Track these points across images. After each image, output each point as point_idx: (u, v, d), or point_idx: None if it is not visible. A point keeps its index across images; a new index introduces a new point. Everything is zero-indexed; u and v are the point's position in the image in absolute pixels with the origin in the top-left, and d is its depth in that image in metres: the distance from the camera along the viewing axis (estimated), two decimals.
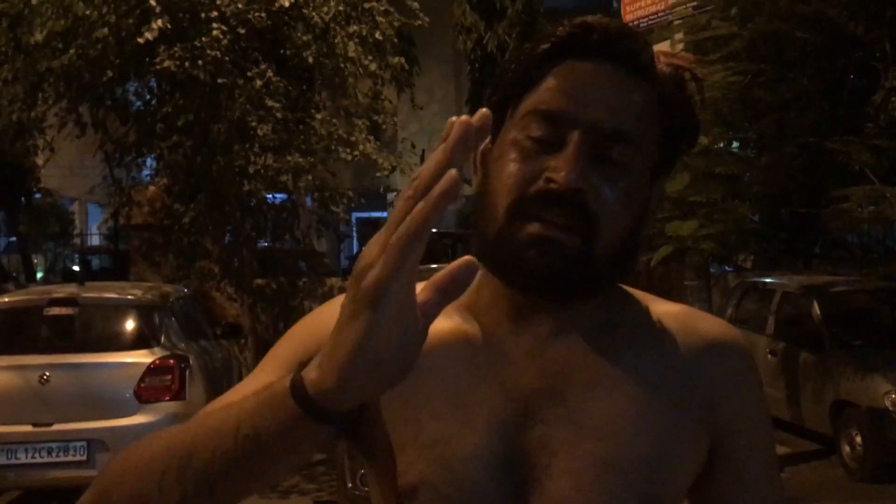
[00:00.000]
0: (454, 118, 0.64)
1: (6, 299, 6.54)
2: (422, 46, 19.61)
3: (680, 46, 6.82)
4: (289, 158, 7.93)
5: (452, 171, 0.62)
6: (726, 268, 11.64)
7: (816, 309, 7.70)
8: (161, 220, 9.55)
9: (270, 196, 9.17)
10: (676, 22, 6.81)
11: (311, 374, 0.69)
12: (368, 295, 0.64)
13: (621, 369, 0.89)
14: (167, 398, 5.73)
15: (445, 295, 0.66)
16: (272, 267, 10.45)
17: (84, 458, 5.50)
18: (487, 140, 0.91)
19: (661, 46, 6.99)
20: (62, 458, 5.53)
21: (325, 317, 0.90)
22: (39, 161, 11.25)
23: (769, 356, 8.15)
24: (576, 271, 0.85)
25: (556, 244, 0.84)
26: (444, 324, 0.91)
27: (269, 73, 7.27)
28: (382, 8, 8.36)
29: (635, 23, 7.50)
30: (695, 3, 6.52)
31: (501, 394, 0.88)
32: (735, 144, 6.38)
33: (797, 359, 7.79)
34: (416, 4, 8.82)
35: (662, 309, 0.95)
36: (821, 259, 11.82)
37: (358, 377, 0.67)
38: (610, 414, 0.87)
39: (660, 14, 7.09)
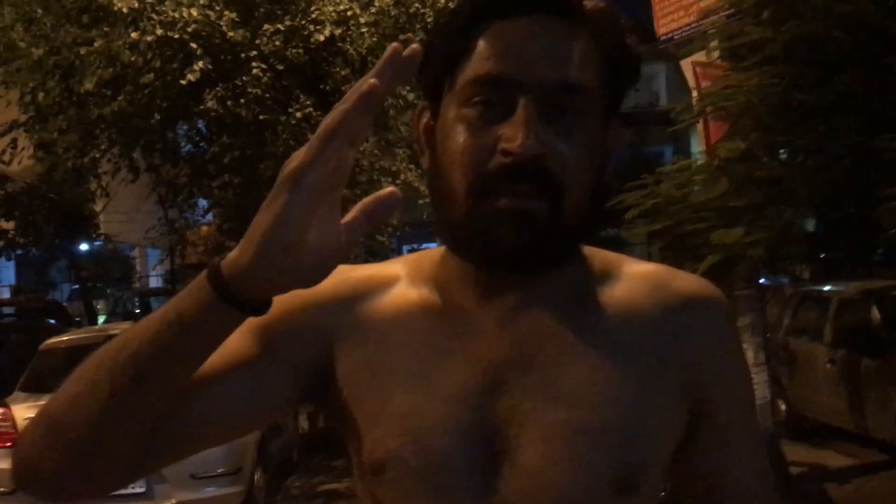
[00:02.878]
0: (393, 44, 0.69)
1: (65, 338, 6.77)
2: None
3: (715, 55, 6.77)
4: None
5: (373, 80, 0.66)
6: (781, 279, 11.41)
7: (876, 313, 7.49)
8: (213, 258, 9.79)
9: None
10: (710, 31, 6.77)
11: (230, 255, 0.72)
12: (286, 179, 0.68)
13: (591, 336, 0.87)
14: None
15: (369, 216, 0.71)
16: None
17: (143, 489, 5.62)
18: (428, 117, 0.90)
19: (697, 56, 6.95)
20: (123, 491, 5.66)
21: (346, 270, 0.92)
22: (98, 208, 11.64)
23: (828, 365, 7.94)
24: (549, 239, 0.83)
25: (528, 215, 0.81)
26: (411, 294, 0.91)
27: (310, 108, 7.44)
28: (418, 38, 8.51)
29: (669, 35, 7.48)
30: (728, 12, 6.47)
31: (470, 365, 0.86)
32: (780, 149, 6.30)
33: (858, 366, 7.57)
34: None
35: (634, 269, 0.92)
36: (882, 266, 11.49)
37: (269, 257, 0.69)
38: (580, 381, 0.85)
39: (693, 25, 7.06)
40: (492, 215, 0.82)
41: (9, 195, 11.18)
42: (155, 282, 18.51)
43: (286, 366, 0.88)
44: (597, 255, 0.93)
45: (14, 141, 8.53)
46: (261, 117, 7.24)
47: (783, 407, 8.57)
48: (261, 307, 0.74)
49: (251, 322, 0.89)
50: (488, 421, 0.84)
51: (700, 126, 6.63)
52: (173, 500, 5.73)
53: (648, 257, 15.03)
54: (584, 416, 0.83)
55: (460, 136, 0.83)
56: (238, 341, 0.83)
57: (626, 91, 0.91)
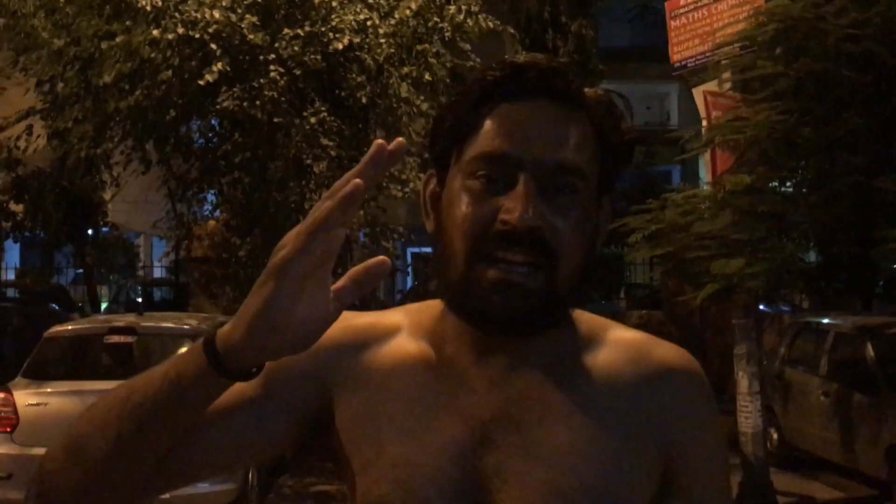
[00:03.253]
0: (378, 140, 0.77)
1: (69, 327, 6.84)
2: None
3: (727, 86, 6.85)
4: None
5: (357, 181, 0.74)
6: (782, 307, 11.46)
7: (871, 350, 7.55)
8: (219, 254, 9.86)
9: None
10: (724, 62, 6.85)
11: (225, 327, 0.80)
12: (273, 269, 0.76)
13: (574, 399, 0.92)
14: None
15: (358, 285, 0.79)
16: None
17: None
18: (434, 184, 0.97)
19: (709, 86, 7.02)
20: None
21: (349, 317, 0.97)
22: (106, 196, 11.72)
23: (822, 397, 7.99)
24: (539, 309, 0.89)
25: (518, 287, 0.87)
26: (411, 347, 0.97)
27: (324, 113, 7.52)
28: (434, 50, 8.58)
29: (683, 62, 7.56)
30: (741, 44, 6.55)
31: (460, 421, 0.92)
32: (784, 183, 6.37)
33: (851, 401, 7.63)
34: (467, 46, 9.03)
35: (618, 336, 0.98)
36: (882, 299, 11.55)
37: (257, 337, 0.77)
38: (560, 443, 0.90)
39: (707, 54, 7.13)
40: (484, 283, 0.88)
41: (20, 178, 11.26)
42: (158, 272, 18.62)
43: (286, 407, 0.95)
44: (584, 320, 0.99)
45: (30, 128, 8.62)
46: (275, 119, 7.31)
47: (775, 436, 8.63)
48: (249, 375, 0.82)
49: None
50: (473, 475, 0.90)
51: (707, 156, 6.71)
52: (167, 495, 5.79)
53: (650, 280, 15.07)
54: (562, 478, 0.89)
55: (464, 204, 0.90)
56: (248, 383, 0.89)
57: (620, 172, 0.99)
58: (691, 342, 11.68)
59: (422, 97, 8.58)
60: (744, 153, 5.75)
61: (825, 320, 8.75)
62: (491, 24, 8.67)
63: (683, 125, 12.30)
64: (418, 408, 0.94)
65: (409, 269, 22.82)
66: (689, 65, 7.41)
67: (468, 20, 8.34)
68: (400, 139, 0.77)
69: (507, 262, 0.88)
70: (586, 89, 0.94)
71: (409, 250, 30.09)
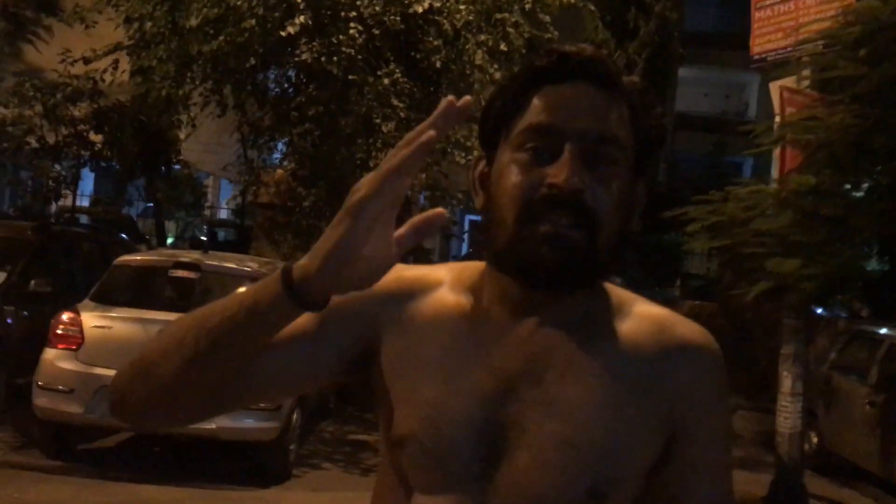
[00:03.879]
0: (448, 96, 0.86)
1: (138, 257, 7.14)
2: None
3: (805, 83, 6.74)
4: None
5: (431, 132, 0.83)
6: (839, 312, 11.28)
7: None
8: (284, 201, 10.11)
9: None
10: (805, 58, 6.73)
11: (301, 261, 0.89)
12: (351, 208, 0.85)
13: (594, 360, 1.00)
14: None
15: (418, 233, 0.88)
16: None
17: None
18: (483, 164, 1.06)
19: (787, 82, 6.91)
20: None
21: (400, 269, 1.06)
22: (182, 135, 12.06)
23: (868, 407, 7.91)
24: (582, 263, 0.97)
25: (566, 240, 0.96)
26: (450, 299, 1.07)
27: (398, 74, 7.63)
28: (513, 20, 8.60)
29: (763, 55, 7.44)
30: (825, 42, 6.43)
31: (489, 371, 1.00)
32: (851, 188, 6.27)
33: None
34: (547, 18, 9.01)
35: (644, 309, 1.05)
36: None
37: (330, 270, 0.86)
38: (576, 399, 0.98)
39: (788, 49, 7.01)
40: (535, 238, 0.96)
41: (101, 110, 11.64)
42: (224, 214, 19.09)
43: (336, 346, 1.05)
44: (614, 292, 1.07)
45: (115, 62, 8.92)
46: (349, 76, 7.45)
47: (814, 439, 8.58)
48: (320, 305, 0.90)
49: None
50: (496, 422, 0.99)
51: (777, 152, 6.64)
52: (213, 424, 6.03)
53: (707, 271, 14.86)
54: (574, 431, 0.97)
55: (513, 174, 0.99)
56: (304, 318, 0.98)
57: (653, 156, 1.07)
58: (741, 338, 11.57)
59: (496, 65, 8.62)
60: (813, 154, 5.69)
61: (881, 330, 8.61)
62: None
63: (761, 118, 12.02)
64: (452, 355, 1.02)
65: (465, 236, 22.92)
66: (769, 58, 7.30)
67: None
68: (468, 97, 0.86)
69: (553, 222, 0.96)
70: (627, 78, 1.03)
71: (468, 217, 30.22)
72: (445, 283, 1.09)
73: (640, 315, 1.04)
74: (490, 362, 1.01)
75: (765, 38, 7.32)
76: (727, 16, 22.44)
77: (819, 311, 11.11)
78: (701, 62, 26.14)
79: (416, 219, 0.88)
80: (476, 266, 1.10)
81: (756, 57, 7.37)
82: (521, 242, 0.97)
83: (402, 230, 0.87)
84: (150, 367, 0.98)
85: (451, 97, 0.85)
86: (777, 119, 6.73)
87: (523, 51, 9.26)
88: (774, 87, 6.94)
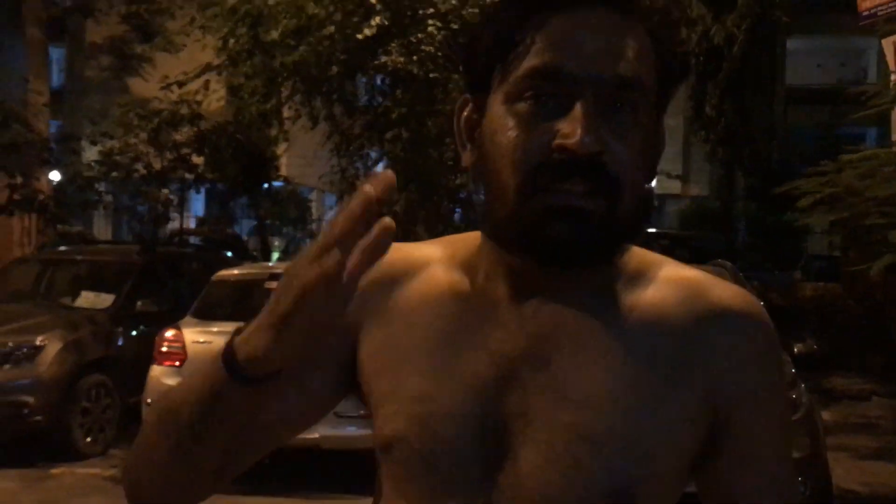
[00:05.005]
0: (363, 186, 0.70)
1: (235, 272, 7.25)
2: None
3: None
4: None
5: (369, 191, 0.69)
6: None
7: None
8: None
9: None
10: None
11: (246, 332, 0.76)
12: (301, 286, 0.71)
13: (612, 337, 0.84)
14: None
15: (370, 260, 0.69)
16: None
17: None
18: (471, 108, 0.87)
19: None
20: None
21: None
22: (279, 150, 12.30)
23: None
24: (601, 238, 0.81)
25: (583, 213, 0.79)
26: (442, 278, 0.91)
27: None
28: None
29: (872, 10, 6.87)
30: None
31: (486, 356, 0.85)
32: None
33: None
34: None
35: (671, 273, 0.88)
36: None
37: (286, 343, 0.74)
38: (591, 384, 0.82)
39: None
40: (545, 212, 0.80)
41: (201, 133, 12.01)
42: None
43: (321, 365, 0.90)
44: (634, 255, 0.89)
45: (207, 83, 9.14)
46: (431, 75, 7.35)
47: None
48: (273, 378, 0.77)
49: None
50: (497, 414, 0.83)
51: (895, 113, 6.11)
52: (316, 434, 6.05)
53: (829, 246, 14.04)
54: (590, 421, 0.81)
55: (512, 131, 0.81)
56: None
57: (677, 88, 0.87)
58: (872, 319, 10.81)
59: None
60: None
61: None
62: None
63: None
64: (442, 340, 0.87)
65: None
66: (879, 13, 6.73)
67: None
68: (389, 173, 0.73)
69: (565, 191, 0.79)
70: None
71: None
72: (435, 261, 0.91)
73: (667, 279, 0.87)
74: (487, 345, 0.85)
75: None
76: None
77: None
78: (810, 31, 24.87)
79: (364, 242, 0.69)
80: (471, 237, 0.91)
81: (865, 13, 6.81)
82: (527, 216, 0.80)
83: (353, 261, 0.69)
84: (146, 455, 0.88)
85: (366, 188, 0.69)
86: (893, 78, 6.20)
87: None
88: (888, 43, 6.40)
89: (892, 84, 6.05)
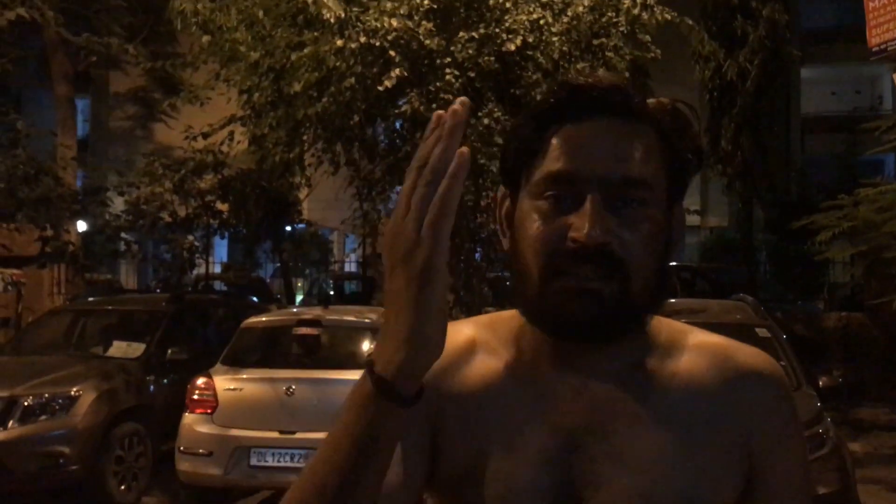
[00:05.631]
0: (440, 112, 0.79)
1: (263, 319, 7.37)
2: (666, 73, 19.21)
3: None
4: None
5: (464, 150, 0.77)
6: None
7: None
8: None
9: None
10: None
11: (380, 363, 0.80)
12: (419, 275, 0.76)
13: (657, 406, 0.95)
14: None
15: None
16: (502, 294, 10.82)
17: None
18: (508, 203, 1.00)
19: None
20: (304, 464, 6.13)
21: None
22: (301, 195, 12.50)
23: None
24: (616, 315, 0.92)
25: (595, 294, 0.91)
26: (493, 363, 1.01)
27: (498, 113, 7.62)
28: (612, 44, 8.44)
29: (883, 45, 6.99)
30: None
31: (549, 430, 0.95)
32: None
33: None
34: (647, 38, 8.80)
35: (700, 340, 1.01)
36: None
37: (421, 349, 0.79)
38: (648, 450, 0.94)
39: None
40: (562, 293, 0.91)
41: (225, 179, 12.25)
42: (349, 266, 19.62)
43: (420, 452, 0.97)
44: (664, 327, 1.01)
45: (231, 134, 9.36)
46: None
47: None
48: (418, 396, 0.82)
49: None
50: (566, 483, 0.94)
51: None
52: None
53: (851, 279, 13.97)
54: (651, 485, 0.93)
55: (535, 224, 0.94)
56: None
57: (691, 177, 0.99)
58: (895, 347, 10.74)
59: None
60: None
61: None
62: (668, 17, 8.40)
63: None
64: (509, 420, 0.97)
65: None
66: (889, 48, 6.84)
67: (644, 13, 8.13)
68: (464, 98, 0.81)
69: (579, 275, 0.91)
70: (650, 100, 0.95)
71: None
72: (479, 344, 1.02)
73: (696, 347, 1.00)
74: (549, 421, 0.96)
75: (882, 28, 6.88)
76: (845, 7, 21.35)
77: None
78: (823, 60, 24.96)
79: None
80: (508, 319, 1.03)
81: (875, 49, 6.93)
82: (549, 297, 0.92)
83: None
84: None
85: (454, 106, 0.78)
86: None
87: (627, 73, 9.08)
88: None
89: None
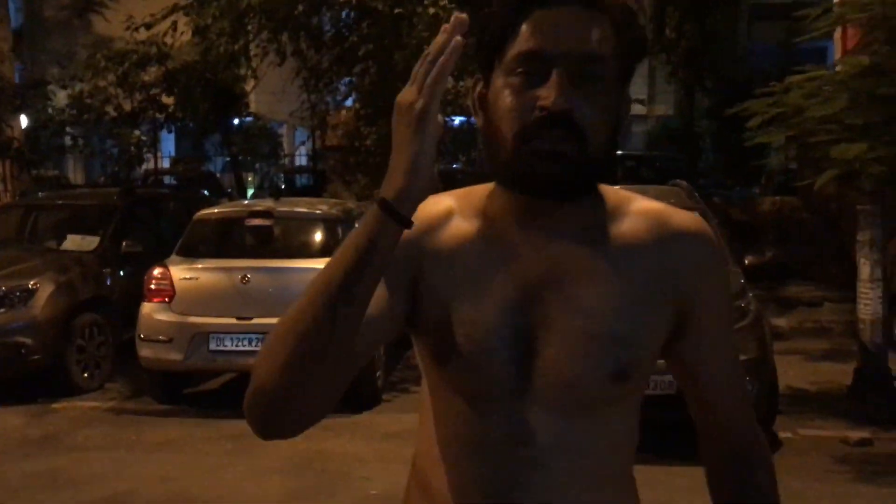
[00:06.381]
0: (455, 15, 0.99)
1: (215, 211, 7.50)
2: None
3: None
4: (465, 82, 8.32)
5: (458, 38, 0.97)
6: None
7: None
8: (351, 142, 10.32)
9: (450, 119, 9.63)
10: None
11: (386, 187, 1.01)
12: (416, 121, 0.97)
13: (603, 261, 1.13)
14: None
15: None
16: (452, 186, 11.03)
17: None
18: (481, 86, 1.15)
19: None
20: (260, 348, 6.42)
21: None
22: (248, 87, 12.36)
23: None
24: (576, 173, 1.08)
25: (560, 155, 1.06)
26: (466, 227, 1.18)
27: (444, 1, 7.64)
28: None
29: None
30: None
31: (511, 283, 1.13)
32: None
33: None
34: None
35: (641, 206, 1.18)
36: None
37: (417, 179, 1.00)
38: (593, 298, 1.12)
39: None
40: (533, 154, 1.07)
41: (170, 72, 12.04)
42: (300, 160, 19.56)
43: (402, 291, 1.15)
44: (611, 194, 1.19)
45: (174, 24, 9.20)
46: (396, 10, 7.51)
47: None
48: (411, 220, 1.02)
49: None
50: (524, 326, 1.12)
51: (838, 35, 6.41)
52: None
53: (784, 161, 14.41)
54: (596, 326, 1.11)
55: (508, 98, 1.09)
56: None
57: (636, 65, 1.18)
58: (827, 230, 11.30)
59: None
60: (871, 31, 5.47)
61: None
62: None
63: None
64: (478, 274, 1.15)
65: None
66: None
67: None
68: (464, 14, 1.00)
69: (547, 138, 1.07)
70: None
71: None
72: (456, 212, 1.21)
73: (637, 212, 1.18)
74: (511, 275, 1.14)
75: None
76: None
77: None
78: None
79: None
80: (480, 189, 1.22)
81: None
82: (521, 159, 1.08)
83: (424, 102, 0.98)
84: (285, 342, 1.03)
85: (456, 15, 0.99)
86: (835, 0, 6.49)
87: None
88: None
89: (834, 7, 6.33)
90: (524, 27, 1.09)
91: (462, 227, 1.19)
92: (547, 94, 1.06)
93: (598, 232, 1.15)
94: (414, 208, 1.01)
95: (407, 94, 0.98)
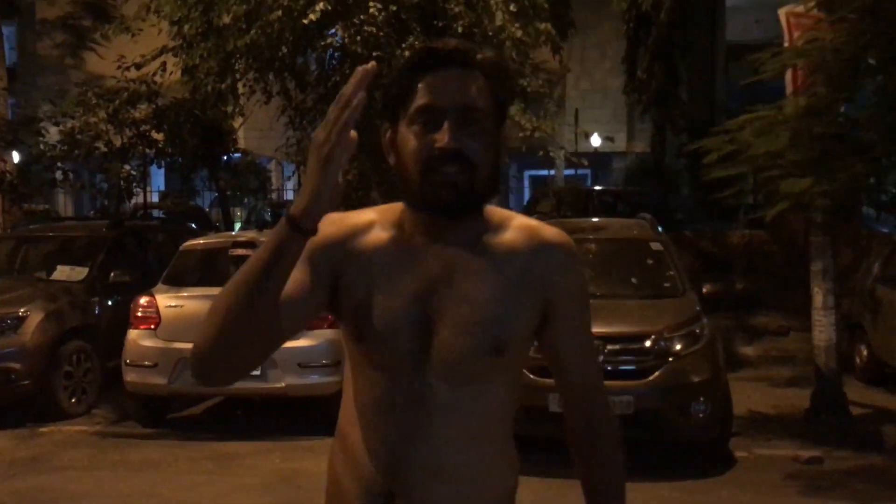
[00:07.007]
0: (360, 68, 1.28)
1: (201, 241, 7.83)
2: (594, 4, 19.58)
3: (811, 4, 6.87)
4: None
5: (362, 94, 1.22)
6: (881, 227, 11.30)
7: None
8: None
9: None
10: None
11: (295, 204, 1.27)
12: (323, 160, 1.22)
13: (486, 265, 1.44)
14: (326, 326, 6.62)
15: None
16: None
17: (259, 373, 6.54)
18: (390, 132, 1.45)
19: (793, 7, 7.06)
20: None
21: (341, 218, 1.47)
22: (236, 124, 12.74)
23: None
24: (468, 197, 1.39)
25: (455, 185, 1.37)
26: (384, 235, 1.48)
27: (418, 45, 8.04)
28: None
29: None
30: None
31: (417, 280, 1.43)
32: (851, 104, 6.42)
33: None
34: None
35: (519, 222, 1.50)
36: None
37: (319, 201, 1.25)
38: (479, 292, 1.43)
39: None
40: (434, 185, 1.38)
41: (159, 109, 12.41)
42: (288, 194, 19.91)
43: (321, 283, 1.44)
44: (496, 213, 1.50)
45: (164, 64, 9.58)
46: (375, 53, 7.91)
47: (864, 352, 8.75)
48: (313, 230, 1.27)
49: (301, 261, 1.38)
50: (424, 313, 1.43)
51: (788, 76, 6.84)
52: (283, 384, 6.70)
53: (736, 197, 14.77)
54: (477, 312, 1.42)
55: (412, 141, 1.39)
56: (299, 272, 1.37)
57: (508, 108, 1.51)
58: (794, 262, 11.66)
59: (517, 24, 8.93)
60: (812, 74, 5.89)
61: None
62: None
63: None
64: (392, 273, 1.46)
65: (527, 188, 23.22)
66: None
67: None
68: (373, 63, 1.26)
69: (444, 172, 1.37)
70: (481, 56, 1.42)
71: (527, 173, 30.51)
72: (377, 223, 1.50)
73: (516, 227, 1.50)
74: (417, 273, 1.45)
75: None
76: None
77: (882, 228, 11.14)
78: None
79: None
80: (396, 206, 1.54)
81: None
82: (425, 188, 1.39)
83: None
84: (217, 313, 1.30)
85: (361, 67, 1.27)
86: (786, 45, 6.92)
87: (545, 5, 9.54)
88: (782, 15, 7.10)
89: (784, 52, 6.75)
90: (420, 87, 1.39)
91: (380, 235, 1.50)
92: (441, 137, 1.36)
93: (484, 241, 1.46)
94: (315, 223, 1.27)
95: (319, 134, 1.23)
